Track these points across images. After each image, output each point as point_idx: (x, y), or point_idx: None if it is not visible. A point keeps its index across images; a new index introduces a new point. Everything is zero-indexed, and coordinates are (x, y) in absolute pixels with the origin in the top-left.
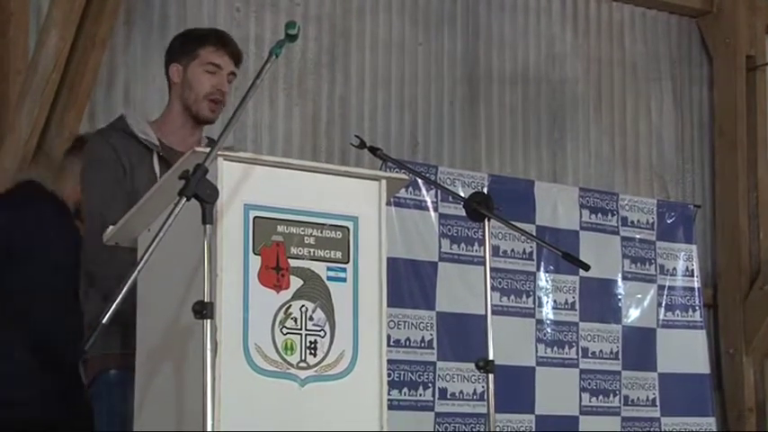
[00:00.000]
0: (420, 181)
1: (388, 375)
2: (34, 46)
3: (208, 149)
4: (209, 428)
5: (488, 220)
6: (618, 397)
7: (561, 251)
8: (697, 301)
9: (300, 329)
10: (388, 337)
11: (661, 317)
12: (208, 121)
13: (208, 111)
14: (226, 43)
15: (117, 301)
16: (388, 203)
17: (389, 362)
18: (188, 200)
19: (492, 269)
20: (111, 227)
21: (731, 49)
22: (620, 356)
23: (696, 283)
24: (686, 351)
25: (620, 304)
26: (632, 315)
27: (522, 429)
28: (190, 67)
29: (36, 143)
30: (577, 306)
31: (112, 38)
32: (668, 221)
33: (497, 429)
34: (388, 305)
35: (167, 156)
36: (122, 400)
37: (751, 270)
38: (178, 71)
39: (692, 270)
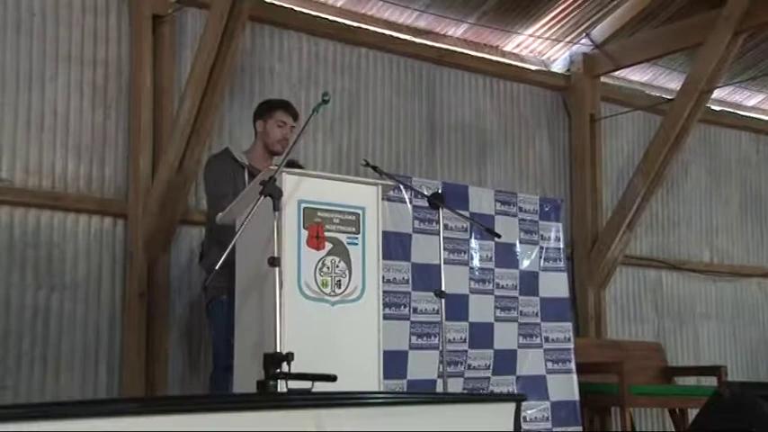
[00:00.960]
0: (401, 186)
1: (384, 299)
2: (177, 108)
3: (276, 167)
4: (277, 332)
5: (441, 209)
6: (516, 311)
7: (484, 227)
8: (562, 256)
9: (331, 273)
10: (383, 277)
11: (541, 265)
12: (278, 154)
13: (279, 149)
14: (290, 108)
15: (224, 255)
16: (383, 199)
17: (384, 292)
18: (265, 197)
19: (444, 238)
20: (221, 211)
21: (581, 110)
22: (517, 288)
23: (561, 245)
24: (556, 284)
25: (517, 257)
26: (525, 264)
27: (459, 331)
28: (268, 123)
29: (178, 165)
30: (493, 259)
31: (222, 104)
32: (545, 209)
33: (446, 331)
34: (383, 258)
35: (253, 171)
36: (230, 316)
37: (592, 237)
38: (261, 125)
39: (559, 238)
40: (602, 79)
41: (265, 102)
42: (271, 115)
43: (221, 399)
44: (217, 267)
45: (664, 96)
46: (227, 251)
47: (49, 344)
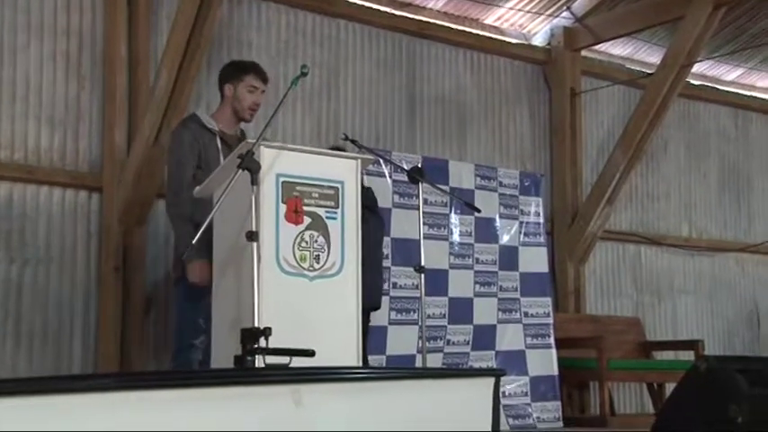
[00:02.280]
0: (381, 160)
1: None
2: (153, 79)
3: (254, 140)
4: (255, 307)
5: (421, 183)
6: (496, 287)
7: (464, 201)
8: (542, 230)
9: (310, 248)
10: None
11: (521, 239)
12: (246, 122)
13: (248, 116)
14: (261, 72)
15: (201, 230)
16: (363, 173)
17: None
18: (243, 171)
19: (423, 212)
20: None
21: (561, 84)
22: (497, 263)
23: (541, 220)
24: (535, 259)
25: (497, 232)
26: (505, 238)
27: (439, 306)
28: (239, 87)
29: (154, 138)
30: (473, 234)
31: (199, 75)
32: (525, 184)
33: (425, 306)
34: None
35: (224, 137)
36: (198, 295)
37: (572, 212)
38: (230, 89)
39: (539, 212)
40: (583, 53)
41: (233, 63)
42: (241, 79)
43: (198, 373)
44: (194, 242)
45: (644, 71)
46: (203, 226)
47: (22, 319)
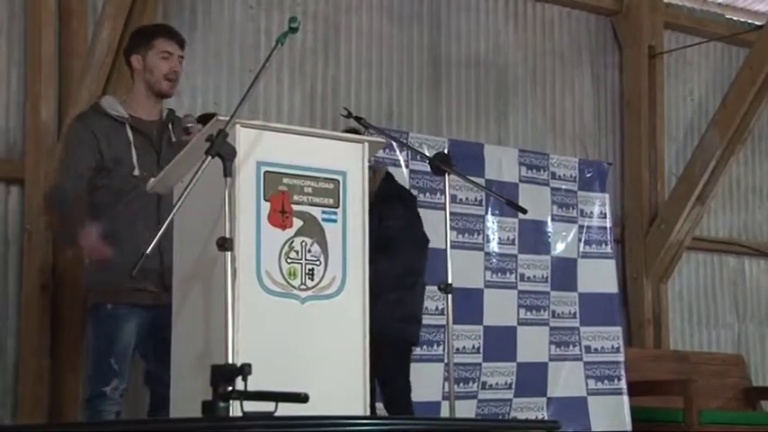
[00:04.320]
0: (395, 144)
1: None
2: (91, 36)
3: (228, 118)
4: (230, 337)
5: (448, 175)
6: (547, 311)
7: (505, 198)
8: (608, 237)
9: (301, 259)
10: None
11: (581, 249)
12: (167, 96)
13: (167, 88)
14: (174, 34)
15: (158, 236)
16: (370, 161)
17: None
18: (212, 158)
19: (450, 213)
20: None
21: (637, 41)
22: (548, 280)
23: (608, 223)
24: (600, 275)
25: (549, 240)
26: (558, 248)
27: (471, 337)
28: (148, 56)
29: None
30: (516, 241)
31: None
32: (587, 175)
33: (453, 337)
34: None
35: (137, 125)
36: (112, 330)
37: (650, 213)
38: (138, 60)
39: (605, 213)
40: None
41: (139, 30)
42: (150, 45)
43: (154, 423)
44: (147, 252)
45: (750, 21)
46: (160, 232)
47: None
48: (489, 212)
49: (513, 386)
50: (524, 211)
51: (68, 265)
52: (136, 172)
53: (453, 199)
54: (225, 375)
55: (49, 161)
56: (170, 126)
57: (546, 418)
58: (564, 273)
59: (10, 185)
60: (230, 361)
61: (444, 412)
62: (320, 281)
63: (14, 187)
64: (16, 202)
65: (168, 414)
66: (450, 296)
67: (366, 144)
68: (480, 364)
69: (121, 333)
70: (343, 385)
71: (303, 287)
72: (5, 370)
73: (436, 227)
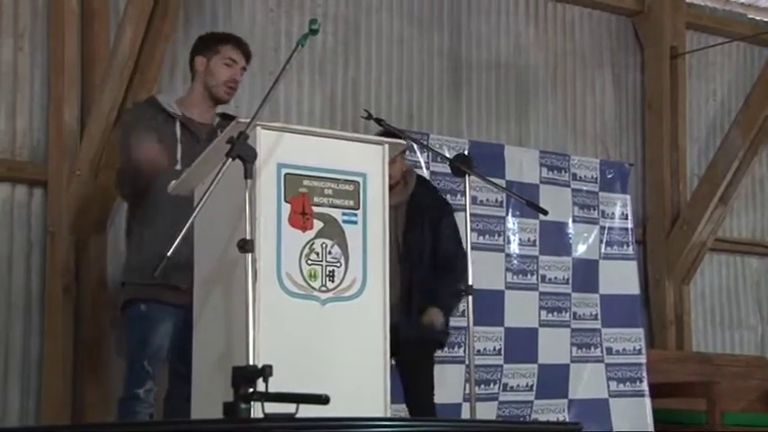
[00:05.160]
0: (415, 145)
1: None
2: (113, 39)
3: (248, 120)
4: (250, 338)
5: (468, 176)
6: (568, 313)
7: (525, 200)
8: (630, 239)
9: (321, 261)
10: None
11: (602, 251)
12: (223, 102)
13: (224, 94)
14: (242, 45)
15: (179, 239)
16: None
17: None
18: (233, 159)
19: (471, 215)
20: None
21: (658, 42)
22: (570, 282)
23: (629, 225)
24: (621, 277)
25: (570, 241)
26: (580, 249)
27: (492, 339)
28: (212, 60)
29: (116, 115)
30: (537, 243)
31: (174, 33)
32: (608, 176)
33: (474, 339)
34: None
35: (188, 123)
36: (147, 331)
37: (672, 214)
38: (202, 62)
39: (626, 214)
40: None
41: (209, 34)
42: (216, 50)
43: (176, 425)
44: (168, 254)
45: None
46: (182, 233)
47: None
48: (510, 214)
49: (535, 388)
50: (545, 213)
51: (90, 267)
52: (178, 166)
53: (474, 200)
54: (246, 377)
55: (72, 163)
56: (219, 132)
57: (567, 420)
58: (585, 274)
59: (33, 188)
60: (251, 362)
61: (465, 414)
62: (341, 282)
63: (37, 189)
64: (39, 204)
65: (189, 415)
66: (470, 298)
67: (386, 146)
68: (501, 366)
69: (155, 334)
70: (363, 386)
71: (324, 289)
72: (29, 371)
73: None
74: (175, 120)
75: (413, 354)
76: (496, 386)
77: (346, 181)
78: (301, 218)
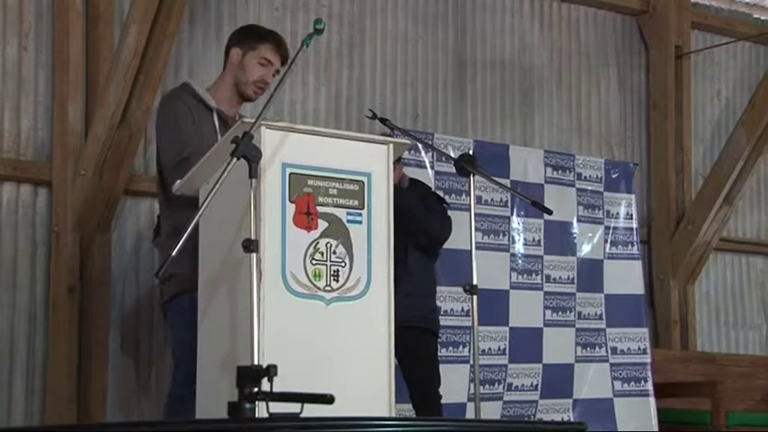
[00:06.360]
0: (420, 145)
1: None
2: (118, 39)
3: (253, 120)
4: (255, 338)
5: (473, 176)
6: (573, 313)
7: (530, 199)
8: (635, 238)
9: (326, 261)
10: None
11: (607, 250)
12: (248, 100)
13: (252, 93)
14: (281, 46)
15: (184, 238)
16: (396, 162)
17: None
18: (238, 159)
19: (475, 214)
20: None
21: (663, 41)
22: (574, 281)
23: (634, 224)
24: (626, 277)
25: (575, 241)
26: (584, 249)
27: (496, 338)
28: (248, 55)
29: (120, 115)
30: (542, 242)
31: (179, 33)
32: (613, 176)
33: (479, 339)
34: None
35: (224, 117)
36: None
37: (677, 214)
38: (237, 54)
39: (631, 214)
40: None
41: (252, 27)
42: (254, 47)
43: (180, 425)
44: (173, 254)
45: None
46: (186, 232)
47: None
48: (515, 213)
49: (539, 388)
50: (550, 212)
51: (95, 267)
52: None
53: (478, 200)
54: (251, 376)
55: (77, 163)
56: None
57: (572, 419)
58: (590, 274)
59: (38, 187)
60: (256, 362)
61: (470, 414)
62: (345, 282)
63: (42, 189)
64: (44, 204)
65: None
66: (475, 297)
67: (391, 145)
68: (506, 366)
69: None
70: (368, 386)
71: (328, 288)
72: (34, 370)
73: (461, 228)
74: (212, 112)
75: (409, 344)
76: (501, 386)
77: (351, 181)
78: (306, 218)
